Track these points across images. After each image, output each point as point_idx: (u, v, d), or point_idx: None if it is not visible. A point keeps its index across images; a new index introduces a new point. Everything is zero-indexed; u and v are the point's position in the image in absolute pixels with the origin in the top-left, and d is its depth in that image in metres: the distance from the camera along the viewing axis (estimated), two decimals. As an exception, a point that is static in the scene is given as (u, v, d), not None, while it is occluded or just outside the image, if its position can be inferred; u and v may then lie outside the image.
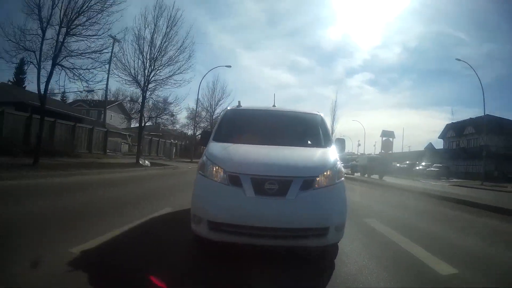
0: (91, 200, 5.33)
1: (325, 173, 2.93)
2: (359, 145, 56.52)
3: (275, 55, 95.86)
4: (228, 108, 4.65)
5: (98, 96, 39.17)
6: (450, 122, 43.28)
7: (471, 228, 5.20)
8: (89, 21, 9.89)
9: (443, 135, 43.46)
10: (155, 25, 14.98)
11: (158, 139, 30.26)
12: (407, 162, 34.02)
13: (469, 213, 6.80)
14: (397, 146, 51.32)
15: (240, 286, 2.32)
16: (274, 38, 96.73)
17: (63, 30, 9.58)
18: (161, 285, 2.04)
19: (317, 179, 2.85)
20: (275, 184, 2.72)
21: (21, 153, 11.01)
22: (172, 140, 34.39)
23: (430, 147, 44.49)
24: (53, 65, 9.61)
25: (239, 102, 4.50)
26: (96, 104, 35.88)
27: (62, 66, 9.77)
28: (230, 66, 28.30)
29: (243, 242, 2.70)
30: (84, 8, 9.62)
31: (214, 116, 29.82)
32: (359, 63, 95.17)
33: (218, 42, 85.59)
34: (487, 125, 26.04)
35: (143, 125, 16.93)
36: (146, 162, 16.11)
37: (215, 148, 3.33)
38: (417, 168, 31.42)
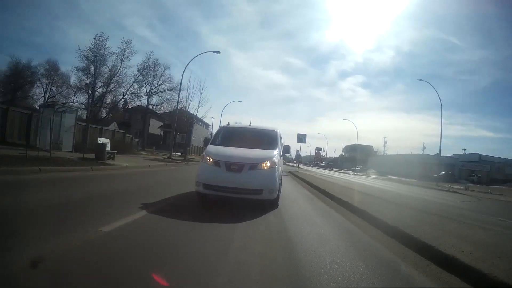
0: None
1: (264, 162, 5.44)
2: (334, 151, 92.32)
3: (268, 56, 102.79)
4: (222, 125, 7.41)
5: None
6: (346, 144, 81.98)
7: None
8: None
9: (343, 150, 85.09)
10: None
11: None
12: (327, 162, 75.12)
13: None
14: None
15: (220, 215, 4.70)
16: (267, 39, 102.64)
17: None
18: (163, 283, 2.15)
19: (258, 165, 5.38)
20: (236, 166, 5.28)
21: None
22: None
23: (341, 156, 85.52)
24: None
25: (228, 122, 7.36)
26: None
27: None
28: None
29: (220, 195, 5.31)
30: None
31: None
32: (352, 66, 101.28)
33: (211, 42, 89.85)
34: (355, 148, 66.34)
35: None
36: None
37: (211, 148, 5.98)
38: (322, 164, 72.52)
